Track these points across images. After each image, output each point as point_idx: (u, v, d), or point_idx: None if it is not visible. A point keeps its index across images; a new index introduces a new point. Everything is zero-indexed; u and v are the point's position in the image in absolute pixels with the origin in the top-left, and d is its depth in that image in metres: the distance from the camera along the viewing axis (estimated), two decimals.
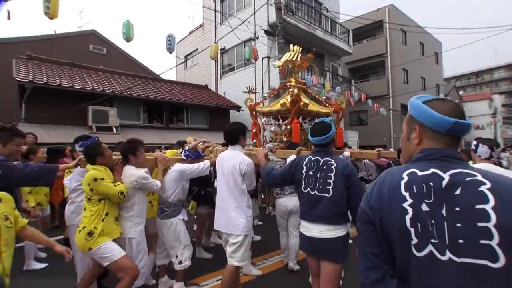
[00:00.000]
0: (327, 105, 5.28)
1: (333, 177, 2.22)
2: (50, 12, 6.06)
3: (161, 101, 10.30)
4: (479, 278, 0.77)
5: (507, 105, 47.31)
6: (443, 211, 0.84)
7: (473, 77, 54.33)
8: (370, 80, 20.35)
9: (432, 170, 0.91)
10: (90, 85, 8.94)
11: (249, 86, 5.34)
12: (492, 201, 0.80)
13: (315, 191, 2.25)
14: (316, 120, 2.55)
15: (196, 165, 3.14)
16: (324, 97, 5.43)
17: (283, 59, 5.00)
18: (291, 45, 5.11)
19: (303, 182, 2.33)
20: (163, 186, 3.03)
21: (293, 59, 4.91)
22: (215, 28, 15.46)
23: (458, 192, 0.85)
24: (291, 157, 3.04)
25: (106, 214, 2.62)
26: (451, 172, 0.89)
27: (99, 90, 8.80)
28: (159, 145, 8.82)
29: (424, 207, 0.86)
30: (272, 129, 5.21)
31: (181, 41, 19.27)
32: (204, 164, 3.16)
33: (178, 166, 3.11)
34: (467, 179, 0.86)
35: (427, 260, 0.84)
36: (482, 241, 0.78)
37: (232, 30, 9.79)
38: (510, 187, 0.82)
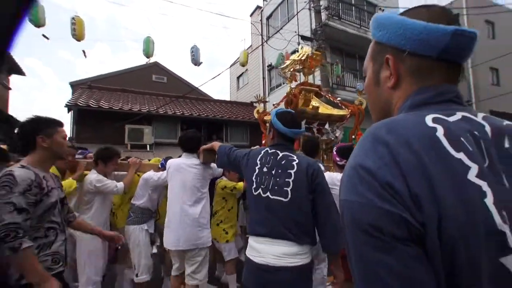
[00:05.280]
0: (343, 107, 4.39)
1: (293, 175, 1.62)
2: (77, 34, 6.47)
3: (197, 118, 10.21)
4: None
5: None
6: (505, 181, 0.46)
7: None
8: None
9: (459, 113, 0.53)
10: (129, 105, 9.35)
11: (258, 95, 4.76)
12: None
13: (268, 193, 1.63)
14: (280, 109, 1.92)
15: (160, 173, 2.92)
16: (339, 99, 4.58)
17: (290, 60, 4.47)
18: (299, 46, 4.57)
19: (254, 181, 1.70)
20: (135, 192, 2.96)
21: (302, 58, 4.31)
22: (262, 45, 15.28)
23: (507, 144, 0.50)
24: None
25: None
26: (483, 115, 0.54)
27: (136, 109, 9.11)
28: None
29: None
30: None
31: (234, 64, 19.76)
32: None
33: (145, 174, 2.97)
34: (505, 123, 0.54)
35: None
36: None
37: (264, 40, 9.28)
38: None
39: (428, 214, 0.42)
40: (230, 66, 20.10)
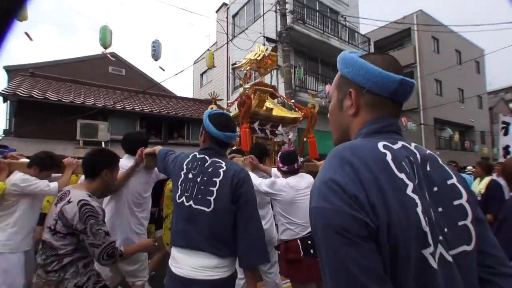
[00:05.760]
0: (296, 109, 4.47)
1: (218, 183, 1.52)
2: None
3: (157, 115, 9.79)
4: (462, 271, 0.61)
5: None
6: (427, 195, 0.64)
7: None
8: None
9: (400, 142, 0.69)
10: (82, 99, 8.68)
11: (212, 92, 4.59)
12: (452, 173, 0.70)
13: (191, 202, 1.52)
14: (213, 110, 1.74)
15: None
16: (292, 101, 4.66)
17: (245, 58, 4.36)
18: (256, 46, 4.49)
19: (178, 188, 1.59)
20: None
21: (258, 58, 4.19)
22: (227, 43, 15.12)
23: (428, 168, 0.69)
24: None
25: None
26: (414, 145, 0.72)
27: (89, 103, 8.48)
28: None
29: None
30: None
31: (199, 60, 19.30)
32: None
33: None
34: (427, 152, 0.73)
35: (444, 270, 0.59)
36: (460, 223, 0.65)
37: (230, 39, 9.17)
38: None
39: (381, 220, 0.56)
40: (194, 63, 19.64)
